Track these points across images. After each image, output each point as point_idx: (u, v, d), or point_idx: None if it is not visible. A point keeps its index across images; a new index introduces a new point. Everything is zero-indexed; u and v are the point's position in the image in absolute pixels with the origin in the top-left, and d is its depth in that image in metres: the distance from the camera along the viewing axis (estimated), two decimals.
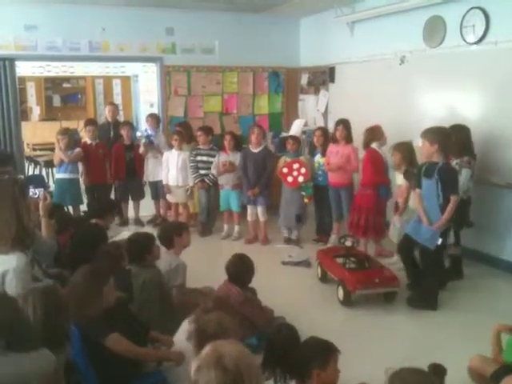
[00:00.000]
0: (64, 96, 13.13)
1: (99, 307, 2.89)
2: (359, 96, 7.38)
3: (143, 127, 8.31)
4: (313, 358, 2.60)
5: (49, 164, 8.92)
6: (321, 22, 8.29)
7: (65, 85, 13.05)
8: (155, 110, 8.44)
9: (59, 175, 7.00)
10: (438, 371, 2.82)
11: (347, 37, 7.68)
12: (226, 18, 8.22)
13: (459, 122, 5.31)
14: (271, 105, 8.90)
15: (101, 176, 7.23)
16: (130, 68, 12.14)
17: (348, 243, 5.16)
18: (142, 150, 7.25)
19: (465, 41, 5.75)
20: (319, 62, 8.35)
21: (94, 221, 4.81)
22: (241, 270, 4.04)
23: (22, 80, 11.24)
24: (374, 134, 5.84)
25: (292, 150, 6.51)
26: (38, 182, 7.34)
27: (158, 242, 4.17)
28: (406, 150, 5.44)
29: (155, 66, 8.35)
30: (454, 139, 4.73)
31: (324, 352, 2.64)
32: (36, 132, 11.71)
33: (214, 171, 6.77)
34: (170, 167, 7.01)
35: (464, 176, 5.04)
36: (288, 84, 8.95)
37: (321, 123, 8.14)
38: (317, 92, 8.53)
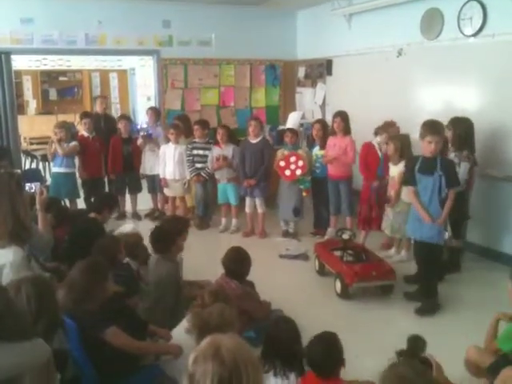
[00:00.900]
0: (60, 89, 13.10)
1: (98, 301, 2.89)
2: (357, 89, 7.37)
3: (141, 121, 8.28)
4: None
5: (45, 158, 8.88)
6: (318, 14, 8.27)
7: (61, 78, 13.02)
8: (152, 104, 8.42)
9: (55, 169, 6.97)
10: (417, 344, 2.80)
11: (344, 29, 7.66)
12: (222, 10, 8.20)
13: (456, 114, 5.30)
14: (268, 98, 8.89)
15: (97, 169, 7.22)
16: (126, 61, 12.11)
17: (345, 236, 5.18)
18: (140, 141, 7.23)
19: (462, 33, 5.74)
20: (316, 55, 8.34)
21: (92, 215, 4.82)
22: (237, 263, 4.04)
23: (19, 74, 11.21)
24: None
25: (290, 143, 6.46)
26: (35, 176, 7.32)
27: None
28: (400, 141, 5.44)
29: (152, 59, 8.33)
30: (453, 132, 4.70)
31: None
32: (33, 126, 11.69)
33: (209, 165, 6.77)
34: (166, 161, 6.99)
35: (463, 170, 5.03)
36: (285, 77, 8.94)
37: (318, 116, 8.11)
38: (314, 85, 8.52)
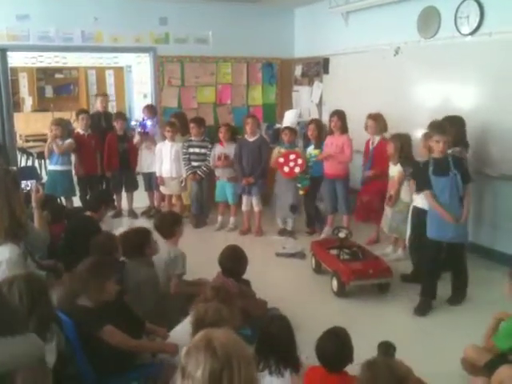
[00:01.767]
0: (56, 87, 13.03)
1: (94, 299, 2.89)
2: (353, 87, 7.37)
3: (138, 117, 8.25)
4: None
5: (41, 155, 8.86)
6: (315, 12, 8.26)
7: (57, 75, 12.95)
8: (149, 101, 8.39)
9: (51, 167, 6.95)
10: (386, 349, 2.84)
11: (342, 27, 7.66)
12: (219, 8, 8.18)
13: (453, 113, 5.30)
14: (265, 96, 8.88)
15: (93, 167, 7.20)
16: (123, 58, 12.05)
17: (342, 235, 5.18)
18: (136, 139, 7.21)
19: (459, 32, 5.74)
20: (313, 53, 8.33)
21: (88, 213, 4.79)
22: (234, 261, 4.03)
23: (15, 71, 11.15)
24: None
25: (288, 141, 6.45)
26: (31, 173, 7.30)
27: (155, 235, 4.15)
28: (400, 141, 5.43)
29: (148, 57, 8.30)
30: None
31: None
32: (29, 123, 11.63)
33: (211, 162, 6.74)
34: (163, 159, 6.97)
35: None
36: (282, 75, 8.93)
37: (315, 115, 8.12)
38: (311, 83, 8.51)
